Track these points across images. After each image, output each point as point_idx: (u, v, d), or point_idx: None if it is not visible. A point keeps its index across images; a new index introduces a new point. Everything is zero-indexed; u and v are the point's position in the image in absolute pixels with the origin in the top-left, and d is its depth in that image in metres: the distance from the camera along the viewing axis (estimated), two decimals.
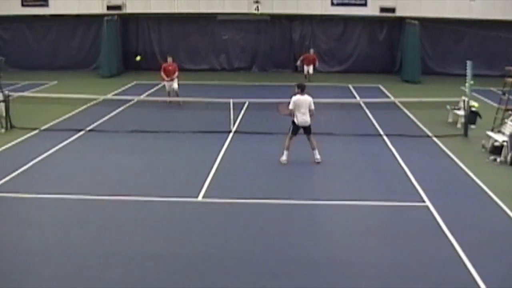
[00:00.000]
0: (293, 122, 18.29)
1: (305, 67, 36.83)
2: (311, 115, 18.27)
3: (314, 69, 37.11)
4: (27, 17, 41.48)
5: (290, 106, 18.17)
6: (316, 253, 12.20)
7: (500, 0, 37.31)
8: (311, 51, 37.57)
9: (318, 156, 18.39)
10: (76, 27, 43.18)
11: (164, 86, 29.46)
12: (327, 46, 42.23)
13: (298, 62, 37.80)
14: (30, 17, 41.55)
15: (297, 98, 18.18)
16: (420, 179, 16.87)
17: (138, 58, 32.72)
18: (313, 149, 18.42)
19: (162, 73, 28.65)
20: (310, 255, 12.07)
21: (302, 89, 18.29)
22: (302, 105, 18.08)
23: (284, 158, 18.29)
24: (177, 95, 28.47)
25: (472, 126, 23.03)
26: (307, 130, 18.36)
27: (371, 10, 38.95)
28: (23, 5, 40.75)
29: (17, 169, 17.80)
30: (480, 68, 33.23)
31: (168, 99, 28.51)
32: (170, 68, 28.53)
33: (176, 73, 28.45)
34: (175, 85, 28.45)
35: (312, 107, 18.20)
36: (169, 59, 29.01)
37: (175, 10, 40.18)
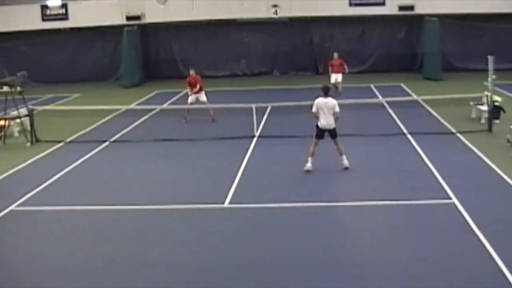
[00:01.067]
0: (317, 126, 17.95)
1: (333, 75, 31.83)
2: (336, 118, 17.86)
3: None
4: (47, 31, 41.92)
5: (313, 109, 17.88)
6: (344, 254, 12.21)
7: None
8: (335, 55, 32.77)
9: (346, 161, 17.95)
10: (97, 39, 43.65)
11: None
12: (347, 47, 42.03)
13: (332, 79, 31.62)
14: (51, 31, 41.99)
15: (319, 100, 17.84)
16: (445, 176, 16.77)
17: None
18: (341, 154, 18.02)
19: (187, 87, 27.30)
20: (338, 256, 12.09)
21: (325, 92, 17.92)
22: (325, 108, 17.70)
23: (308, 165, 17.85)
24: (209, 110, 26.72)
25: (496, 121, 22.88)
26: (332, 133, 17.94)
27: (390, 9, 38.82)
28: (43, 19, 41.16)
29: (44, 182, 17.98)
30: (502, 62, 32.99)
31: (187, 106, 26.95)
32: (192, 81, 27.00)
33: (198, 87, 26.76)
34: (203, 97, 26.93)
35: (337, 109, 17.78)
36: (191, 72, 27.26)
37: (194, 17, 40.34)
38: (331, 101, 17.87)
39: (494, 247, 11.86)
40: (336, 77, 31.71)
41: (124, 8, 40.54)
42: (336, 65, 32.04)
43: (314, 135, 18.03)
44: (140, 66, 41.93)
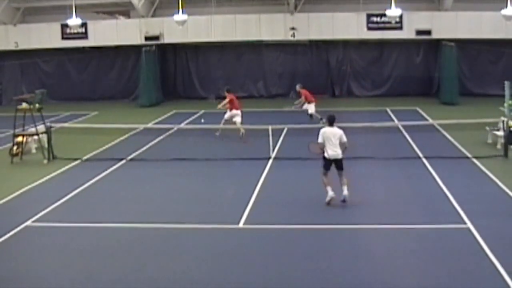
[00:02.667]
0: (324, 157, 17.11)
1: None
2: (345, 148, 17.12)
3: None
4: (67, 49, 42.36)
5: (319, 140, 17.10)
6: (358, 277, 12.17)
7: None
8: (298, 87, 32.57)
9: (346, 192, 16.85)
10: (115, 58, 44.08)
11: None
12: (364, 70, 42.30)
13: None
14: (71, 50, 42.42)
15: (324, 130, 17.18)
16: (460, 201, 16.71)
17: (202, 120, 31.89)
18: (342, 184, 17.01)
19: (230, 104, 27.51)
20: (353, 279, 12.06)
21: (330, 122, 17.26)
22: (331, 137, 16.94)
23: (331, 193, 16.85)
24: (240, 130, 26.89)
25: None
26: (338, 164, 17.09)
27: (407, 33, 38.81)
28: (63, 38, 41.48)
29: (60, 199, 18.09)
30: None
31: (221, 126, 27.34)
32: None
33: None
34: (238, 119, 27.09)
35: (344, 139, 17.03)
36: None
37: (212, 38, 40.60)
38: (337, 131, 17.15)
39: (508, 273, 11.79)
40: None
41: (143, 28, 40.87)
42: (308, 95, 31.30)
43: (322, 166, 17.19)
44: (158, 86, 42.19)
